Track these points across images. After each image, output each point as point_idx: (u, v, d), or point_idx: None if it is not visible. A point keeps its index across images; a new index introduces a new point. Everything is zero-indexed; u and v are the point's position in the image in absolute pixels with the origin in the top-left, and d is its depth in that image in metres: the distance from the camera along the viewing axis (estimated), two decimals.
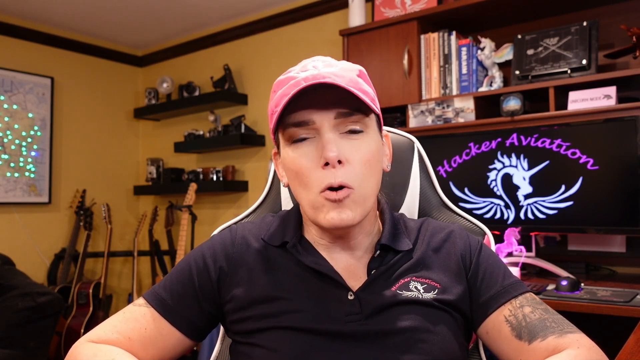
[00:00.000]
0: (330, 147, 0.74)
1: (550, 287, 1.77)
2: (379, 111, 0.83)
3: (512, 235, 1.96)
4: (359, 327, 0.77)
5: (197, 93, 3.57)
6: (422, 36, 2.41)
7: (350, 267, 0.83)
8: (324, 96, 0.76)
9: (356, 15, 2.65)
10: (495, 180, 2.11)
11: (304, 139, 0.78)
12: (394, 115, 2.49)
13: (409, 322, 0.77)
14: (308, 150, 0.77)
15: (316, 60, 0.81)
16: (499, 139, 2.10)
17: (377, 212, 0.89)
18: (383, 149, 0.84)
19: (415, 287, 0.81)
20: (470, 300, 0.83)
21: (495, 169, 2.11)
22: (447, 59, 2.36)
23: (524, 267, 2.06)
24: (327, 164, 0.75)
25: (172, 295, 0.84)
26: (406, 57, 2.40)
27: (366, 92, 0.79)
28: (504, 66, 2.32)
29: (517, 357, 0.76)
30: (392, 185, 1.04)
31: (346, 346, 0.76)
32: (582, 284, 1.75)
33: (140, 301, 0.84)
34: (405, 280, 0.81)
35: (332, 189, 0.75)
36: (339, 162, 0.75)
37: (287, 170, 0.81)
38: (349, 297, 0.79)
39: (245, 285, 0.83)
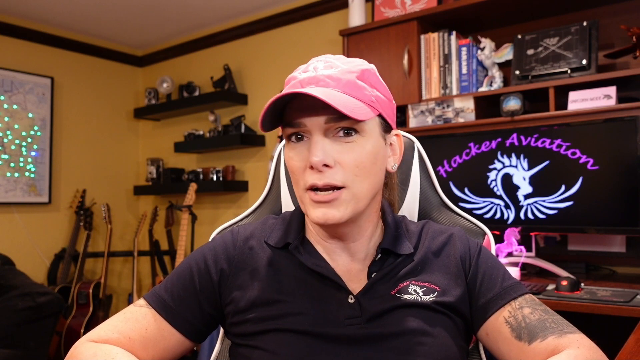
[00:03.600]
0: (315, 152, 0.75)
1: (550, 287, 1.77)
2: (382, 112, 0.80)
3: (512, 235, 1.96)
4: (359, 331, 0.77)
5: (197, 93, 3.57)
6: (422, 36, 2.41)
7: (352, 270, 0.84)
8: (315, 100, 0.74)
9: (356, 15, 2.65)
10: (495, 180, 2.11)
11: (300, 138, 0.78)
12: None
13: (408, 325, 0.77)
14: (300, 151, 0.78)
15: (319, 61, 0.81)
16: (499, 139, 2.10)
17: (379, 215, 0.88)
18: (385, 150, 0.83)
19: (415, 290, 0.81)
20: (469, 303, 0.83)
21: (495, 169, 2.11)
22: (447, 59, 2.36)
23: (524, 267, 2.06)
24: (312, 167, 0.76)
25: (173, 296, 0.84)
26: (406, 57, 2.40)
27: (362, 97, 0.77)
28: (504, 66, 2.32)
29: (517, 358, 0.76)
30: None
31: (346, 349, 0.76)
32: (582, 284, 1.75)
33: (141, 302, 0.84)
34: (405, 283, 0.82)
35: (317, 189, 0.76)
36: (326, 165, 0.75)
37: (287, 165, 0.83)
38: (350, 301, 0.79)
39: (246, 287, 0.83)
